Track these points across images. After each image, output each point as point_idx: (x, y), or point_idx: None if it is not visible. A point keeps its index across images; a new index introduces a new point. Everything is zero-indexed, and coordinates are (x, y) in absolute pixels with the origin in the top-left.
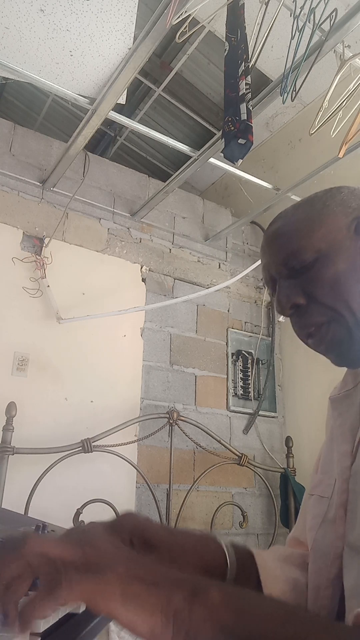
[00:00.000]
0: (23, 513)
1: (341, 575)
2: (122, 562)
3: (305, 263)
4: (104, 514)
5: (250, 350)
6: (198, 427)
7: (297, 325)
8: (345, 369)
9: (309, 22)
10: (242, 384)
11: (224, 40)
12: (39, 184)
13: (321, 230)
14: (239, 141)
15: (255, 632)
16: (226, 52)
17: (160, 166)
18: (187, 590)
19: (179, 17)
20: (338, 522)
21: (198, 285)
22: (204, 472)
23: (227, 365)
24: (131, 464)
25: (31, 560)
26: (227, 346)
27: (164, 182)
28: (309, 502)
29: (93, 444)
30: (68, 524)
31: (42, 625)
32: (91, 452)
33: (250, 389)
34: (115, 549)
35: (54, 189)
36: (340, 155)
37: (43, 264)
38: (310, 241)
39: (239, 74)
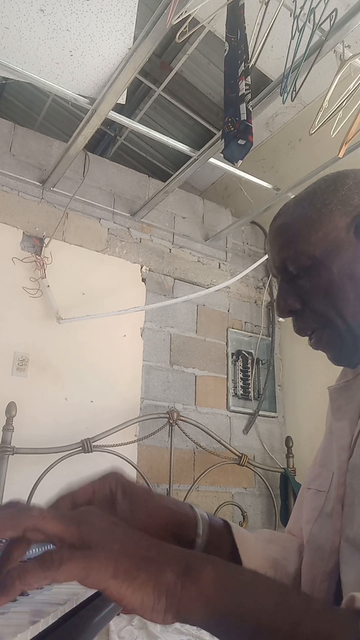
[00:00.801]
0: None
1: (337, 569)
2: (116, 539)
3: (301, 269)
4: None
5: (250, 350)
6: (198, 427)
7: (296, 328)
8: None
9: (309, 22)
10: (242, 384)
11: (224, 40)
12: (39, 184)
13: (318, 234)
14: (238, 142)
15: (247, 613)
16: (226, 52)
17: (160, 166)
18: (180, 566)
19: (179, 17)
20: (335, 516)
21: (198, 285)
22: (204, 472)
23: (227, 365)
24: (131, 464)
25: (29, 533)
26: (227, 346)
27: (164, 182)
28: (305, 495)
29: (93, 444)
30: None
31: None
32: (91, 452)
33: (250, 389)
34: (110, 526)
35: (54, 189)
36: (340, 155)
37: (43, 264)
38: (307, 246)
39: (239, 74)
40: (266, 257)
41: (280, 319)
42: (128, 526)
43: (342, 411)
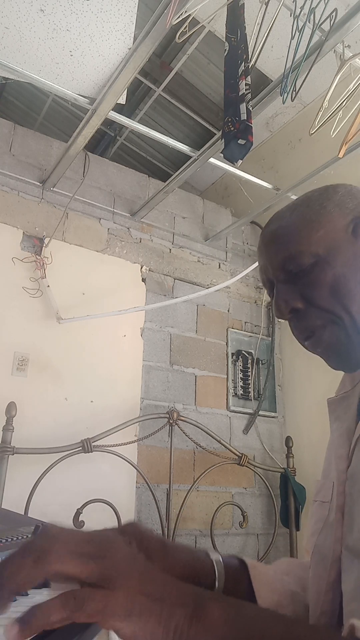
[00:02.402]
0: (23, 513)
1: (340, 579)
2: (133, 576)
3: (303, 267)
4: (104, 514)
5: (250, 350)
6: (198, 427)
7: (296, 329)
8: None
9: (309, 22)
10: (242, 384)
11: (224, 40)
12: (39, 184)
13: (319, 233)
14: (238, 142)
15: None
16: (226, 52)
17: (160, 166)
18: (190, 608)
19: (179, 17)
20: (336, 525)
21: (198, 285)
22: (204, 472)
23: (227, 365)
24: (131, 464)
25: (49, 572)
26: (227, 346)
27: (164, 182)
28: (311, 508)
29: (93, 444)
30: (68, 524)
31: None
32: (91, 452)
33: (250, 389)
34: (129, 559)
35: (54, 189)
36: (340, 155)
37: (43, 264)
38: (308, 245)
39: (239, 74)
40: None
41: (281, 320)
42: (144, 558)
43: (340, 421)
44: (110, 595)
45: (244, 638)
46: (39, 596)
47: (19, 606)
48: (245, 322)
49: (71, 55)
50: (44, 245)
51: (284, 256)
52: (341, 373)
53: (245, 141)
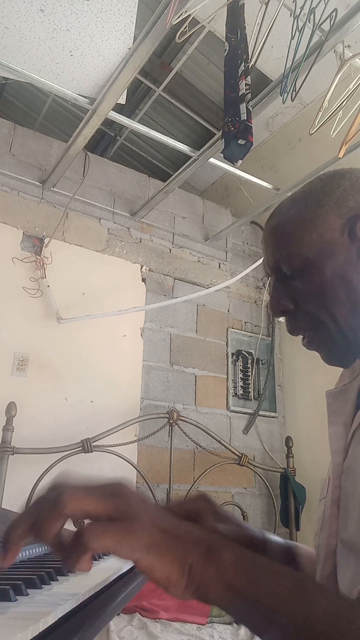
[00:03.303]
0: None
1: (335, 573)
2: (148, 514)
3: (294, 270)
4: None
5: (250, 350)
6: (198, 427)
7: (288, 328)
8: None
9: (309, 22)
10: (242, 384)
11: (224, 40)
12: (39, 184)
13: (312, 236)
14: (238, 142)
15: (263, 594)
16: (226, 52)
17: (160, 166)
18: (204, 547)
19: (179, 17)
20: (331, 519)
21: (198, 285)
22: (204, 472)
23: (227, 365)
24: (131, 464)
25: (68, 512)
26: (227, 346)
27: (164, 182)
28: (317, 510)
29: (93, 444)
30: (68, 524)
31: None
32: (91, 452)
33: (250, 389)
34: (143, 500)
35: (54, 189)
36: (340, 155)
37: (43, 264)
38: (301, 247)
39: (239, 74)
40: None
41: (280, 319)
42: (157, 503)
43: (337, 414)
44: (130, 527)
45: (254, 584)
46: (38, 596)
47: (19, 606)
48: (245, 322)
49: (71, 55)
50: (44, 245)
51: (277, 257)
52: (341, 370)
53: (245, 141)
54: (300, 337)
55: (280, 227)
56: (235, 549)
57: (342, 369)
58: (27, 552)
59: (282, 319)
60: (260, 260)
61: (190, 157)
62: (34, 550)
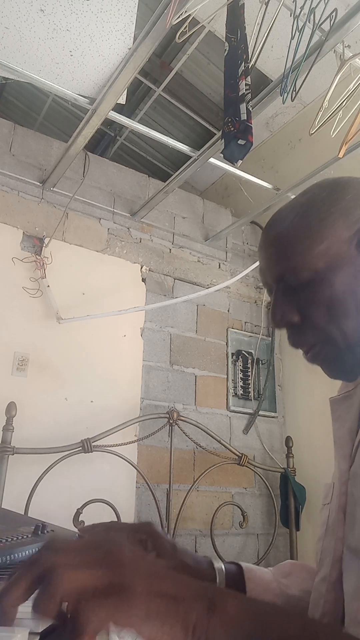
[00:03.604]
0: (23, 513)
1: (341, 579)
2: (144, 577)
3: (301, 281)
4: (104, 514)
5: (250, 350)
6: (198, 427)
7: (291, 341)
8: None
9: (309, 22)
10: (242, 384)
11: (224, 40)
12: (39, 184)
13: (320, 247)
14: (238, 142)
15: None
16: (226, 52)
17: (160, 166)
18: (206, 602)
19: (179, 17)
20: (337, 525)
21: (198, 285)
22: (204, 472)
23: (227, 365)
24: (131, 464)
25: (63, 593)
26: (227, 346)
27: (164, 182)
28: (319, 513)
29: (93, 444)
30: (68, 524)
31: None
32: (91, 452)
33: (250, 389)
34: (140, 563)
35: (54, 189)
36: (340, 155)
37: (43, 264)
38: (309, 258)
39: (239, 74)
40: None
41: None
42: (152, 557)
43: (342, 420)
44: (125, 600)
45: (263, 630)
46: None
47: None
48: (245, 322)
49: (71, 55)
50: (44, 245)
51: (282, 267)
52: None
53: (245, 141)
54: (302, 350)
55: (285, 236)
56: (237, 596)
57: None
58: (27, 552)
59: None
60: None
61: (190, 157)
62: (34, 550)
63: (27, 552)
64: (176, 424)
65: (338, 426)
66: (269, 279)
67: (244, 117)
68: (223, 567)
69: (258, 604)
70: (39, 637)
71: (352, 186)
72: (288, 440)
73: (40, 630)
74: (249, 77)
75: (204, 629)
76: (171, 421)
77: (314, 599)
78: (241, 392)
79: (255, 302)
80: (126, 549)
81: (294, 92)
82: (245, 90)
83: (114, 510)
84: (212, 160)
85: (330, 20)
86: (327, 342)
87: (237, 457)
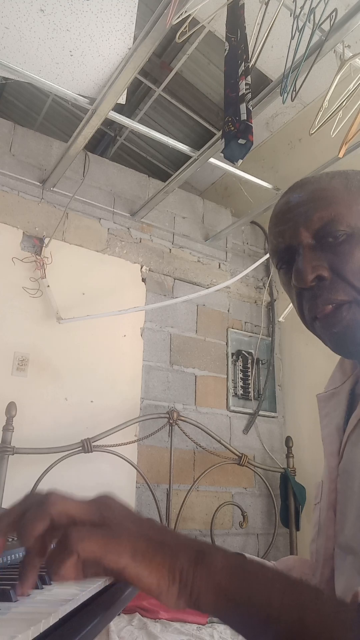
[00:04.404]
0: None
1: (333, 577)
2: (134, 522)
3: (338, 235)
4: None
5: (250, 350)
6: (198, 427)
7: (313, 300)
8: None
9: (309, 22)
10: (242, 384)
11: (224, 40)
12: (39, 184)
13: (358, 206)
14: (239, 141)
15: (256, 598)
16: (226, 52)
17: (160, 166)
18: (193, 553)
19: (179, 17)
20: (328, 523)
21: (198, 285)
22: (204, 472)
23: (227, 365)
24: (131, 464)
25: (55, 518)
26: (227, 346)
27: (164, 182)
28: (312, 515)
29: (93, 444)
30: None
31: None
32: (91, 452)
33: (250, 389)
34: (128, 511)
35: (54, 189)
36: (340, 155)
37: (43, 264)
38: (349, 213)
39: (239, 74)
40: (266, 256)
41: (281, 319)
42: (141, 515)
43: (329, 418)
44: (111, 534)
45: (247, 588)
46: (39, 596)
47: (20, 606)
48: (245, 322)
49: (71, 55)
50: (44, 245)
51: (322, 217)
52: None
53: (245, 141)
54: (325, 309)
55: (325, 190)
56: (225, 553)
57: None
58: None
59: (282, 319)
60: (261, 261)
61: (190, 157)
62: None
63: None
64: (176, 424)
65: (326, 423)
66: (296, 236)
67: (244, 116)
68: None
69: (245, 561)
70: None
71: None
72: (288, 440)
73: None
74: (249, 77)
75: (190, 576)
76: (171, 421)
77: None
78: (241, 392)
79: (255, 302)
80: (117, 501)
81: (294, 92)
82: (245, 90)
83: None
84: (212, 160)
85: (330, 20)
86: (356, 302)
87: (237, 457)
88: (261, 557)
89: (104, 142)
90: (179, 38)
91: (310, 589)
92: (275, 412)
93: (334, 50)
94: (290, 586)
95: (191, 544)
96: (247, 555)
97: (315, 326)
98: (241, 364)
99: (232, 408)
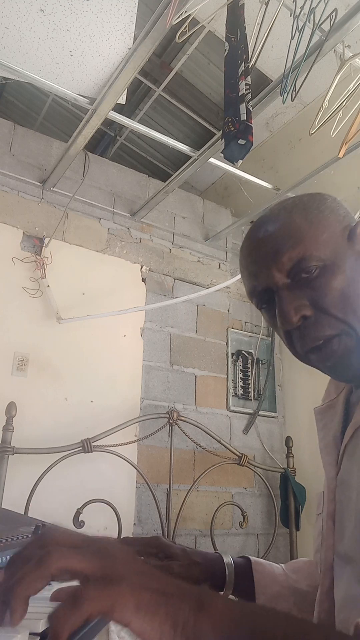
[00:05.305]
0: (23, 513)
1: (333, 587)
2: (136, 573)
3: (310, 271)
4: (104, 514)
5: (250, 350)
6: (198, 427)
7: (303, 339)
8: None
9: (309, 22)
10: (242, 384)
11: (224, 40)
12: (39, 184)
13: (323, 236)
14: (239, 142)
15: (257, 639)
16: (226, 52)
17: (160, 166)
18: (194, 602)
19: (179, 17)
20: (327, 533)
21: (198, 285)
22: (204, 472)
23: (227, 365)
24: (131, 464)
25: (54, 571)
26: (227, 346)
27: (164, 182)
28: (315, 526)
29: (93, 444)
30: (68, 524)
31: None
32: (91, 452)
33: (250, 389)
34: (130, 559)
35: (54, 189)
36: (340, 155)
37: (43, 264)
38: (316, 247)
39: (239, 74)
40: None
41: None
42: (143, 561)
43: (327, 429)
44: (117, 590)
45: (249, 631)
46: (38, 596)
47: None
48: (245, 322)
49: (71, 55)
50: (44, 245)
51: (292, 257)
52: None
53: (245, 141)
54: (315, 346)
55: (287, 230)
56: (224, 598)
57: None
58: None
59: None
60: None
61: (190, 157)
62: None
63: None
64: (176, 424)
65: (323, 435)
66: (269, 279)
67: (244, 117)
68: (232, 560)
69: (246, 604)
70: (39, 638)
71: (327, 195)
72: (288, 440)
73: (40, 631)
74: (249, 77)
75: (191, 626)
76: (171, 421)
77: (315, 609)
78: (241, 392)
79: None
80: (119, 547)
81: (294, 92)
82: (245, 90)
83: (114, 511)
84: (212, 160)
85: (330, 20)
86: (345, 333)
87: (237, 457)
88: (261, 557)
89: (104, 142)
90: (179, 38)
91: (313, 627)
92: (275, 412)
93: (334, 50)
94: (294, 626)
95: (193, 594)
96: (251, 557)
97: (311, 359)
98: (241, 364)
99: (232, 408)
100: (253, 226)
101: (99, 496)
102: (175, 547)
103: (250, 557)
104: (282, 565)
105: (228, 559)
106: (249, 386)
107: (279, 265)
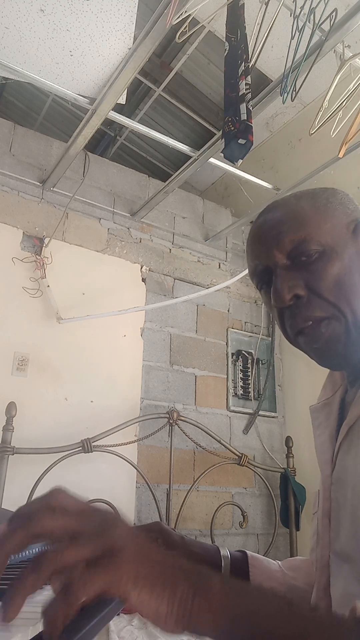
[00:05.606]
0: None
1: (329, 585)
2: (137, 548)
3: (310, 254)
4: None
5: (250, 350)
6: (198, 427)
7: (293, 319)
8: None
9: (309, 22)
10: (242, 384)
11: (224, 40)
12: (39, 184)
13: (327, 225)
14: (239, 141)
15: (255, 622)
16: (226, 52)
17: (160, 166)
18: (192, 578)
19: (179, 17)
20: (323, 531)
21: (198, 285)
22: (204, 472)
23: (227, 365)
24: (131, 464)
25: (54, 533)
26: (227, 346)
27: (164, 182)
28: (311, 525)
29: (93, 444)
30: None
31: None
32: (91, 452)
33: (250, 389)
34: (131, 535)
35: (54, 189)
36: (340, 155)
37: (43, 264)
38: (318, 233)
39: (239, 74)
40: None
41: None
42: (141, 534)
43: (322, 427)
44: (117, 563)
45: (247, 611)
46: (38, 596)
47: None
48: (245, 322)
49: (71, 55)
50: (44, 245)
51: (293, 239)
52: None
53: (245, 141)
54: (305, 327)
55: (293, 213)
56: (223, 577)
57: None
58: (26, 552)
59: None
60: None
61: (190, 157)
62: (33, 550)
63: (26, 552)
64: (176, 424)
65: (319, 433)
66: (270, 259)
67: (244, 117)
68: (229, 554)
69: (244, 584)
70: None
71: (340, 190)
72: (288, 440)
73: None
74: (249, 77)
75: (189, 601)
76: (171, 421)
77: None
78: (241, 392)
79: (255, 302)
80: (120, 520)
81: (294, 92)
82: (245, 90)
83: (114, 510)
84: (212, 160)
85: (330, 20)
86: (335, 317)
87: (237, 457)
88: None
89: (104, 142)
90: (179, 38)
91: (309, 608)
92: (275, 412)
93: (334, 50)
94: (290, 606)
95: (190, 569)
96: (248, 552)
97: (299, 341)
98: (241, 364)
99: (232, 408)
100: (263, 210)
101: (99, 496)
102: (174, 535)
103: (247, 551)
104: (279, 562)
105: (225, 552)
106: (249, 386)
107: (280, 246)
